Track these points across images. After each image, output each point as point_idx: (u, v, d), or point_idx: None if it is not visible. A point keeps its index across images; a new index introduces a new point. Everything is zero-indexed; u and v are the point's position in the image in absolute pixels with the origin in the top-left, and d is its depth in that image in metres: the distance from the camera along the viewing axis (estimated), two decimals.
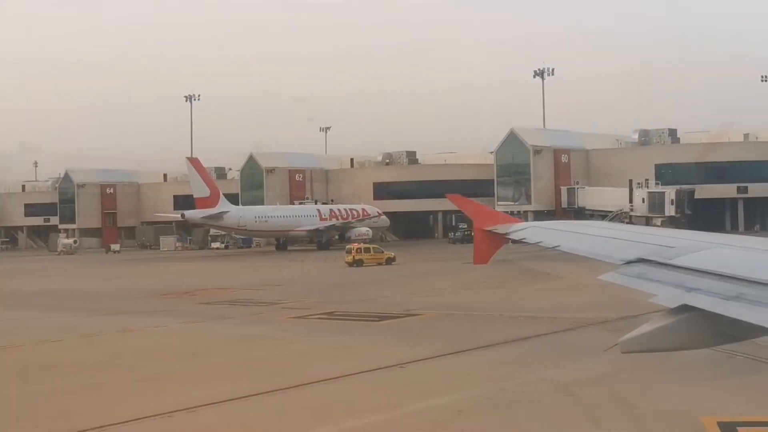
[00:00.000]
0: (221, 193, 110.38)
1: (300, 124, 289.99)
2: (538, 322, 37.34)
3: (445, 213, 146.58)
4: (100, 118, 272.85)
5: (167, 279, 73.17)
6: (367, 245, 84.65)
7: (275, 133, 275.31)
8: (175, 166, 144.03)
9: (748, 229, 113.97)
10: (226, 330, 38.78)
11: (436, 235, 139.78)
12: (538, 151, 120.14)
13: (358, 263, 76.17)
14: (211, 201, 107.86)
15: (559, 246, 13.52)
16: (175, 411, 22.15)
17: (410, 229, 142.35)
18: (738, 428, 19.30)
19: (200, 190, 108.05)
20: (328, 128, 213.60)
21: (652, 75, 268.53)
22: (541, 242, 14.44)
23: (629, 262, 10.32)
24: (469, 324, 37.98)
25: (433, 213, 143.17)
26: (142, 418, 21.46)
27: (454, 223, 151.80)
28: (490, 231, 16.94)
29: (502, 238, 16.64)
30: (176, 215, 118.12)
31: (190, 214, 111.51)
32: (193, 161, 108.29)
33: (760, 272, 8.13)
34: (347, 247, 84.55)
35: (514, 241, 16.14)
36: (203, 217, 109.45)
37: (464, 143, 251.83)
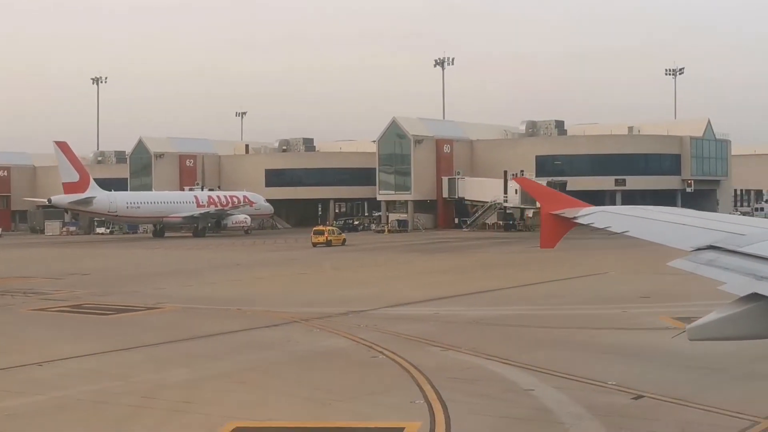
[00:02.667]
0: (91, 178, 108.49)
1: (217, 108, 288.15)
2: (261, 317, 36.99)
3: (339, 201, 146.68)
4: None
5: None
6: (331, 228, 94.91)
7: (192, 118, 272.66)
8: (76, 150, 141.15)
9: None
10: None
11: (328, 222, 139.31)
12: (419, 141, 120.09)
13: (328, 243, 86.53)
14: (80, 186, 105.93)
15: (628, 231, 13.40)
16: None
17: (304, 216, 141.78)
18: None
19: (68, 174, 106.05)
20: (244, 113, 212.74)
21: (561, 67, 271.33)
22: (609, 227, 14.38)
23: (699, 249, 10.27)
24: (192, 319, 37.40)
25: (326, 201, 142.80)
26: None
27: (344, 211, 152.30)
28: (557, 215, 16.71)
29: (570, 222, 16.43)
30: (44, 200, 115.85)
31: (56, 199, 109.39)
32: (61, 145, 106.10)
33: None
34: (315, 228, 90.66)
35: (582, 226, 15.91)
36: (71, 202, 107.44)
37: (369, 130, 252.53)
